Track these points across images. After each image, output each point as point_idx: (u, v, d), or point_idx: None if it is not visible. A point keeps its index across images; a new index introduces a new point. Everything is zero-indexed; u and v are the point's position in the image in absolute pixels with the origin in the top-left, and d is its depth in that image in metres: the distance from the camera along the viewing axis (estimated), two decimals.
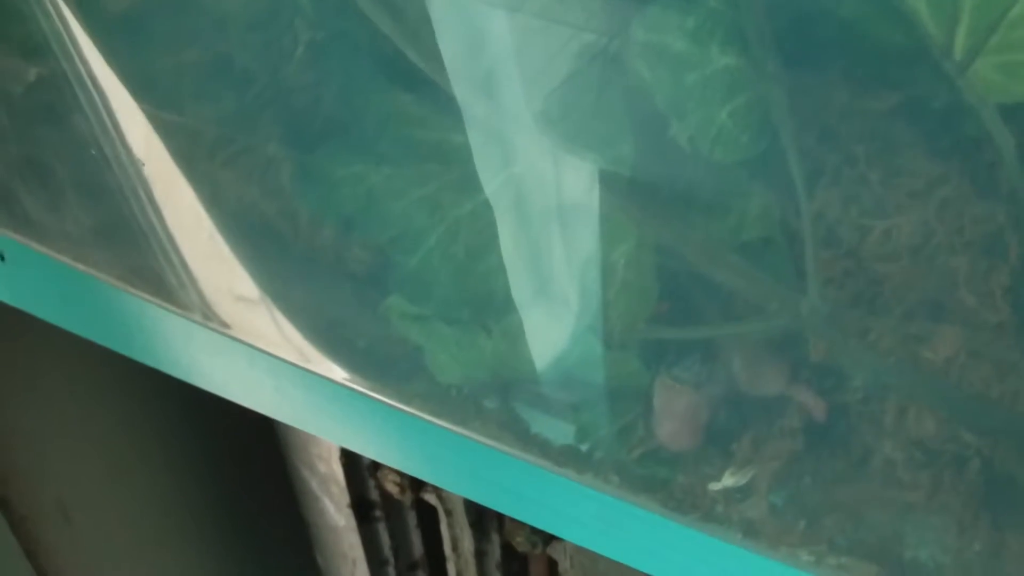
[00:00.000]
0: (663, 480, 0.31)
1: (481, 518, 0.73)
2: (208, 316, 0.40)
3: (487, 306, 0.32)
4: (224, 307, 0.40)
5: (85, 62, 0.38)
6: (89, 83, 0.38)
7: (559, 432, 0.33)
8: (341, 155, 0.31)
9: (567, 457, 0.33)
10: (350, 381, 0.38)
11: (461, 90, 0.30)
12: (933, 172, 0.29)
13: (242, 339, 0.40)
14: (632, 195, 0.30)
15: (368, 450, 0.43)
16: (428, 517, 0.79)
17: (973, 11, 0.27)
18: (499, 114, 0.30)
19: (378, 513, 0.79)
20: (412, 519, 0.80)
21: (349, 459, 0.75)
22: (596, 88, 0.29)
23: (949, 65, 0.28)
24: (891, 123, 0.30)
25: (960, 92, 0.28)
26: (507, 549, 0.75)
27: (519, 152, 0.30)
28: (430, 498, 0.77)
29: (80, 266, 0.44)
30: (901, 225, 0.30)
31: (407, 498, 0.78)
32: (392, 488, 0.77)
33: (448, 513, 0.75)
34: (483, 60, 0.29)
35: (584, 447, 0.33)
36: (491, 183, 0.30)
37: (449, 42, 0.29)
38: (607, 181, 0.30)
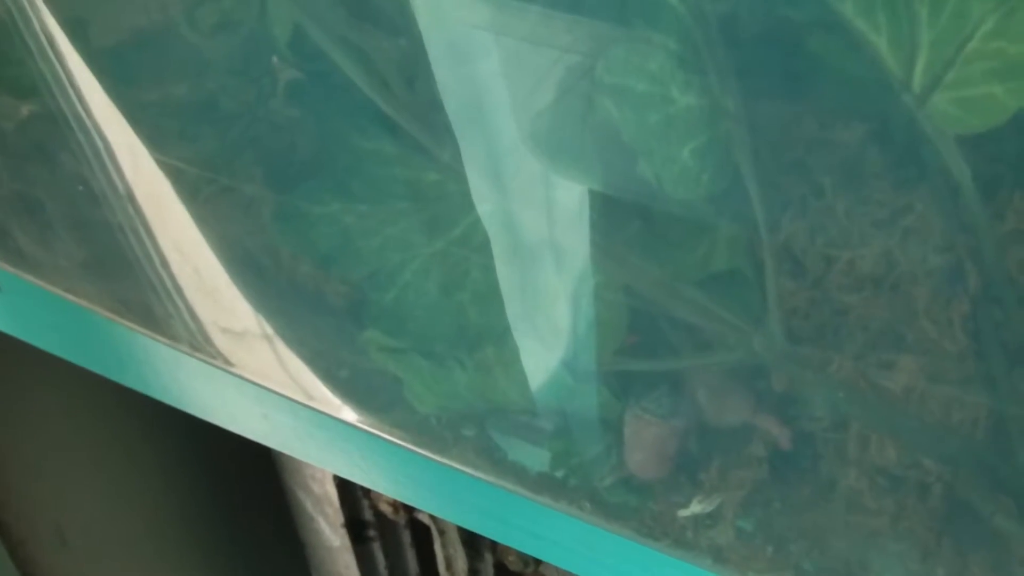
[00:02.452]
0: (634, 508, 0.32)
1: (474, 537, 0.74)
2: (196, 347, 0.41)
3: (460, 340, 0.32)
4: (211, 338, 0.41)
5: (74, 100, 0.39)
6: (78, 120, 0.39)
7: (535, 459, 0.34)
8: (318, 194, 0.32)
9: (542, 485, 0.34)
10: (334, 411, 0.38)
11: (437, 126, 0.30)
12: (898, 202, 0.30)
13: (229, 370, 0.41)
14: (603, 228, 0.31)
15: (355, 475, 0.44)
16: (422, 536, 0.80)
17: (930, 47, 0.28)
18: (478, 148, 0.31)
19: (372, 533, 0.80)
20: (406, 538, 0.81)
21: (343, 480, 0.76)
22: (582, 111, 0.30)
23: (909, 98, 0.29)
24: (858, 153, 0.30)
25: (920, 125, 0.29)
26: (500, 568, 0.76)
27: (492, 190, 0.31)
28: (423, 518, 0.77)
29: (72, 298, 0.44)
30: (865, 255, 0.30)
31: (401, 518, 0.78)
32: (386, 508, 0.77)
33: (441, 532, 0.75)
34: (470, 86, 0.30)
35: (559, 474, 0.34)
36: (465, 219, 0.31)
37: (438, 69, 0.29)
38: (578, 216, 0.30)
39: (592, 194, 0.30)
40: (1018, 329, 0.29)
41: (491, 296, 0.32)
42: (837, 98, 0.30)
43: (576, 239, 0.31)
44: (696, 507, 0.30)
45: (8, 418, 0.74)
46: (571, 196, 0.30)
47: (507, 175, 0.31)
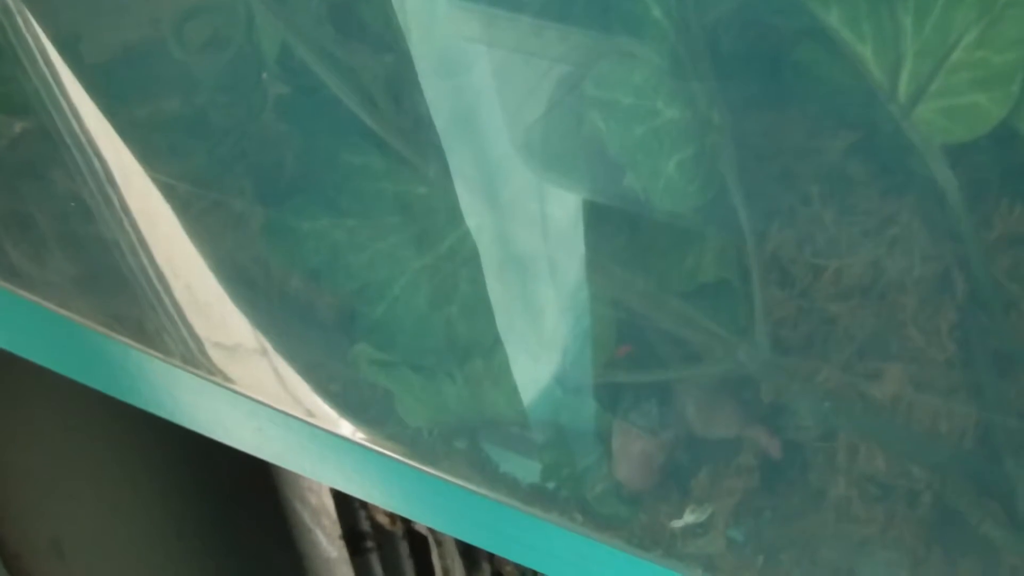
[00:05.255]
0: (624, 519, 0.32)
1: (472, 548, 0.74)
2: (188, 361, 0.41)
3: (449, 353, 0.32)
4: (203, 353, 0.41)
5: (68, 116, 0.39)
6: (70, 136, 0.39)
7: (526, 471, 0.34)
8: (307, 209, 0.32)
9: (534, 496, 0.34)
10: (326, 424, 0.38)
11: (428, 139, 0.31)
12: (885, 211, 0.30)
13: (222, 384, 0.41)
14: (591, 241, 0.31)
15: (349, 487, 0.44)
16: (420, 547, 0.80)
17: (915, 57, 0.28)
18: (468, 161, 0.31)
19: (370, 544, 0.80)
20: (404, 549, 0.81)
21: (340, 491, 0.76)
22: (574, 121, 0.30)
23: (895, 108, 0.29)
24: (845, 162, 0.30)
25: (906, 134, 0.29)
26: None
27: (481, 203, 0.31)
28: (421, 528, 0.77)
29: (64, 312, 0.45)
30: (852, 264, 0.30)
31: (398, 529, 0.78)
32: (383, 519, 0.78)
33: (439, 543, 0.75)
34: (462, 98, 0.30)
35: (550, 486, 0.34)
36: (453, 233, 0.31)
37: (428, 82, 0.30)
38: (566, 228, 0.31)
39: (581, 206, 0.30)
40: (1005, 336, 0.29)
41: (479, 309, 0.32)
42: (823, 108, 0.30)
43: (565, 252, 0.31)
44: (688, 517, 0.31)
45: (4, 431, 0.74)
46: (559, 209, 0.31)
47: (496, 189, 0.31)
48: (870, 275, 0.30)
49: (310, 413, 0.39)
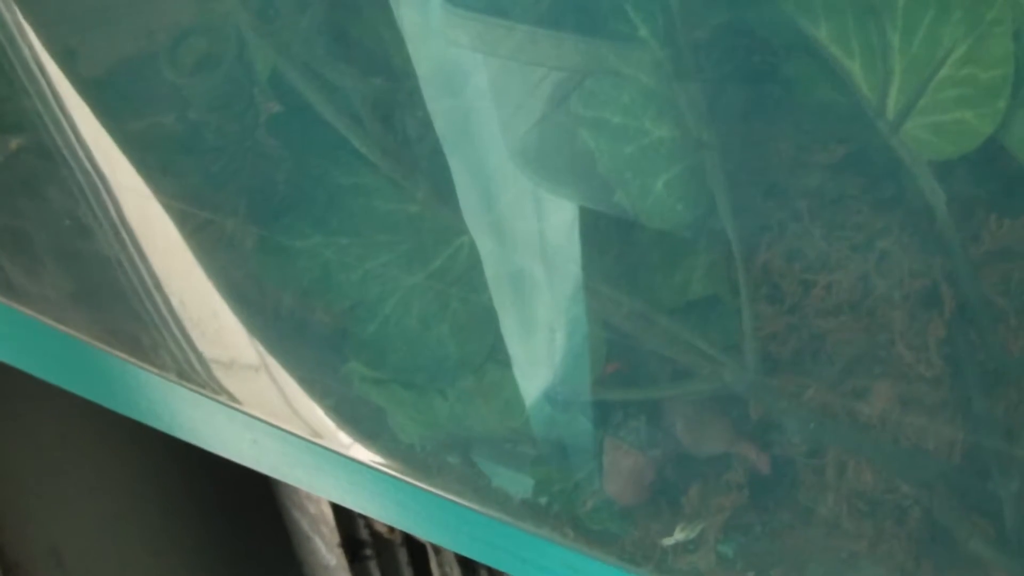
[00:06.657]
0: (616, 535, 0.32)
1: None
2: (183, 375, 0.41)
3: (440, 371, 0.33)
4: (198, 367, 0.41)
5: (68, 132, 0.39)
6: (69, 152, 0.40)
7: (518, 486, 0.34)
8: (299, 227, 0.33)
9: (526, 511, 0.34)
10: (320, 438, 0.39)
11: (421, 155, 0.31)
12: (874, 226, 0.30)
13: (217, 398, 0.41)
14: (582, 258, 0.31)
15: (344, 500, 0.44)
16: (419, 555, 0.80)
17: (903, 74, 0.29)
18: (460, 175, 0.31)
19: (368, 552, 0.80)
20: (403, 557, 0.81)
21: None
22: (567, 134, 0.30)
23: (883, 124, 0.29)
24: (834, 178, 0.31)
25: (894, 150, 0.29)
26: None
27: (472, 222, 0.31)
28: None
29: (60, 327, 0.45)
30: (841, 280, 0.30)
31: (397, 537, 0.78)
32: (382, 527, 0.78)
33: (437, 551, 0.75)
34: (458, 109, 0.30)
35: (542, 501, 0.34)
36: (444, 252, 0.31)
37: (426, 93, 0.30)
38: (558, 246, 0.31)
39: (570, 224, 0.31)
40: (993, 351, 0.29)
41: (470, 328, 0.32)
42: (812, 124, 0.30)
43: (555, 269, 0.31)
44: (679, 534, 0.31)
45: (4, 441, 0.74)
46: (549, 226, 0.31)
47: (487, 207, 0.31)
48: (859, 290, 0.30)
49: (305, 427, 0.40)
